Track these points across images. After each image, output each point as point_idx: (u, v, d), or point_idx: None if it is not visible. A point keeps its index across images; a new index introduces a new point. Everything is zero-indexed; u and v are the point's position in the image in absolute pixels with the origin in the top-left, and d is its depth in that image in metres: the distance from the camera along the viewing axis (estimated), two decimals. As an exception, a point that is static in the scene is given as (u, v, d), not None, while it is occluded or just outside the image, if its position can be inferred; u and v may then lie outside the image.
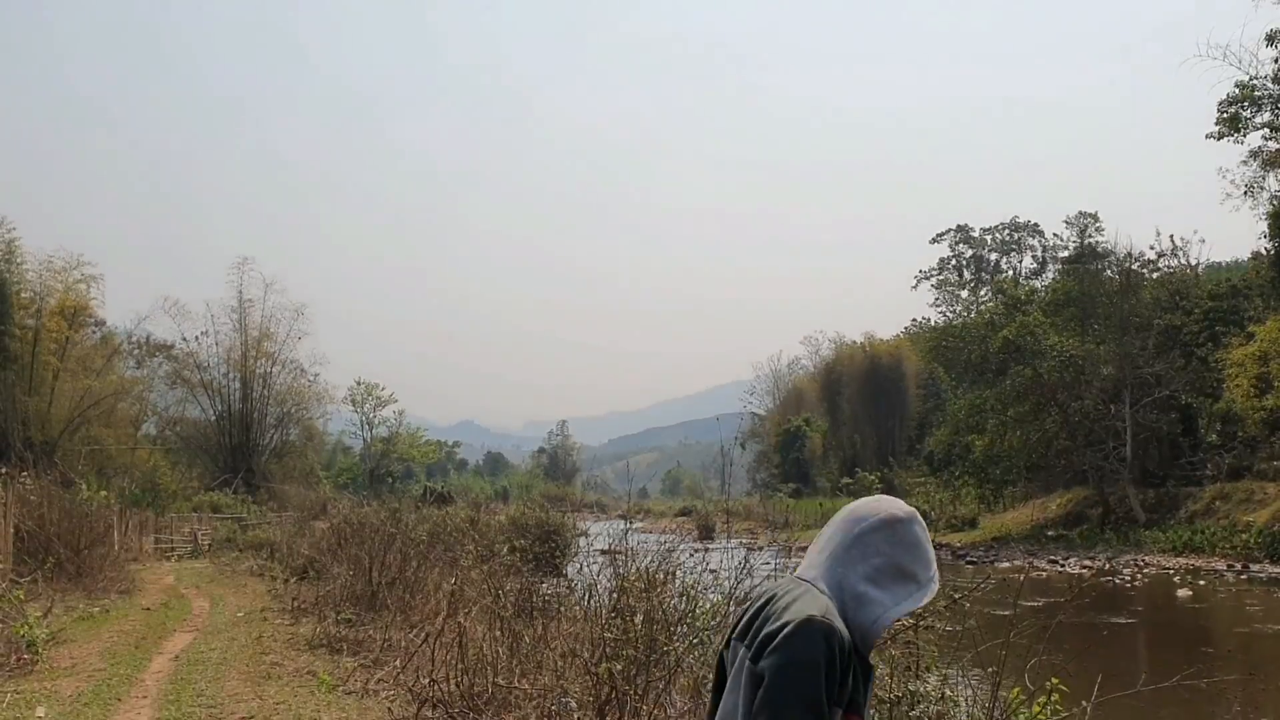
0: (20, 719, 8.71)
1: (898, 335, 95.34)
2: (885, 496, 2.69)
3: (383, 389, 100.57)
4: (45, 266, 50.16)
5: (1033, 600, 16.33)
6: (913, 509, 2.65)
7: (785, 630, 2.40)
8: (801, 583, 2.57)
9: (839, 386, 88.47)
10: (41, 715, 8.85)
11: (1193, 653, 16.54)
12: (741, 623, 2.60)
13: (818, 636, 2.37)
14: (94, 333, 55.56)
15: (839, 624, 2.42)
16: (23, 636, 11.76)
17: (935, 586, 2.57)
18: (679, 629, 7.51)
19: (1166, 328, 46.98)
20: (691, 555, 10.16)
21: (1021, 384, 47.93)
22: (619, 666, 6.07)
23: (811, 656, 2.36)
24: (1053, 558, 38.93)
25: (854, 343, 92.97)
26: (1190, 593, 26.80)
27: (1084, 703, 6.31)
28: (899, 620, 2.57)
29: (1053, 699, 6.03)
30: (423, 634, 10.62)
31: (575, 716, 6.99)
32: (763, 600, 2.60)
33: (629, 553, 9.64)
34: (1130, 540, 41.98)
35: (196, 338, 63.71)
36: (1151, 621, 22.47)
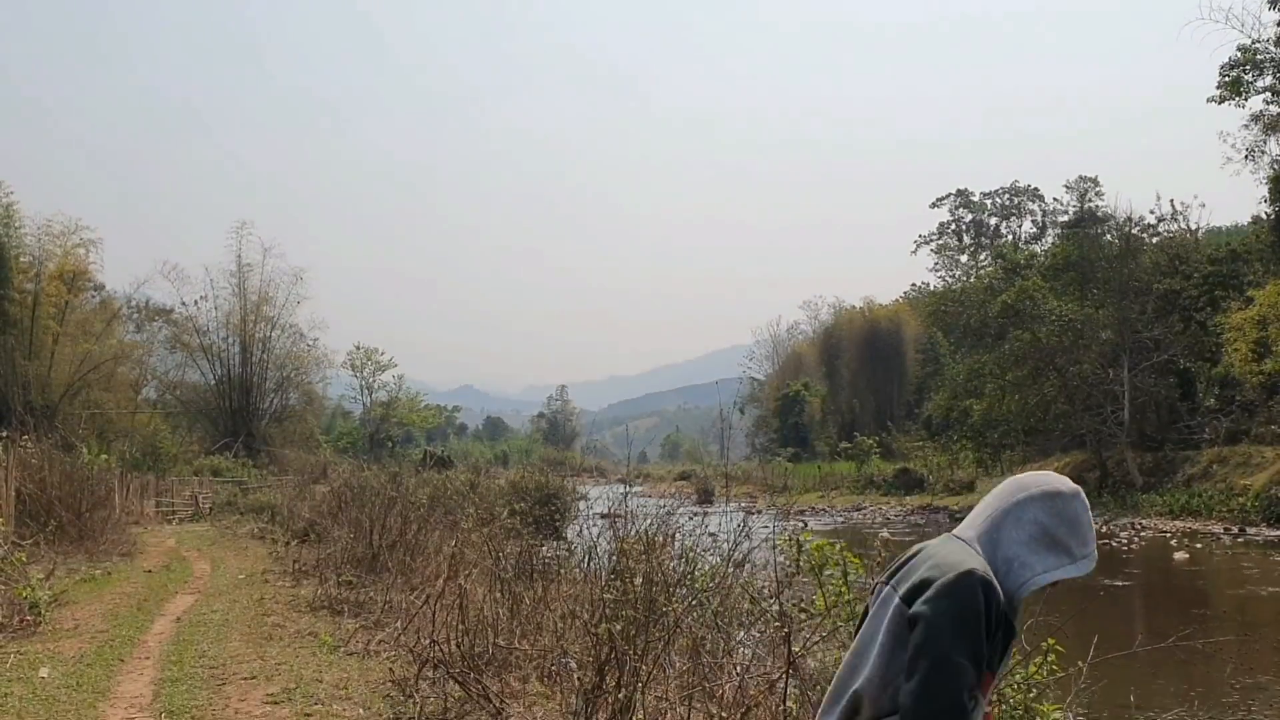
0: (24, 679, 8.76)
1: (897, 300, 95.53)
2: (1052, 472, 2.72)
3: (382, 354, 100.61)
4: (44, 231, 50.04)
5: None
6: (1078, 487, 2.68)
7: (946, 579, 2.45)
8: (957, 540, 2.63)
9: (838, 351, 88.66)
10: (45, 676, 8.91)
11: (1189, 614, 16.64)
12: (891, 569, 2.69)
13: (978, 588, 2.43)
14: (93, 297, 55.48)
15: (992, 577, 2.48)
16: (25, 598, 11.80)
17: (1091, 564, 2.59)
18: (678, 591, 7.56)
19: (1166, 292, 46.93)
20: (690, 519, 10.22)
21: (1020, 348, 47.98)
22: (618, 627, 6.12)
23: (973, 606, 2.41)
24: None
25: (853, 307, 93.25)
26: (1187, 555, 26.94)
27: (1080, 663, 6.35)
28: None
29: (1049, 659, 6.07)
30: (423, 596, 10.69)
31: (575, 676, 7.05)
32: (915, 551, 2.68)
33: (628, 516, 9.70)
34: (1127, 504, 42.20)
35: (195, 302, 63.72)
36: (1148, 584, 22.60)
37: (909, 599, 2.48)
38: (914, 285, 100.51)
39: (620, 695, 5.76)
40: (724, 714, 5.06)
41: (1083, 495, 2.65)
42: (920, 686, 2.37)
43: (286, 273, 66.60)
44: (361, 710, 7.55)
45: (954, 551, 2.55)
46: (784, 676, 5.26)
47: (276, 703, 7.83)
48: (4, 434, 20.00)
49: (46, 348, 47.75)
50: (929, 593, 2.44)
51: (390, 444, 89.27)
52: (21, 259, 47.73)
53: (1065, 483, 2.65)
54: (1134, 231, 51.66)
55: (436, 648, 8.03)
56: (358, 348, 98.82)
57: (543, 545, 14.54)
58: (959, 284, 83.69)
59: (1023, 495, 2.62)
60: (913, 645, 2.42)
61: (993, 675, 2.47)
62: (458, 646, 8.11)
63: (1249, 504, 35.39)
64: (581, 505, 21.39)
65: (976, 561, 2.50)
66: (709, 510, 13.76)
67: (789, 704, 5.46)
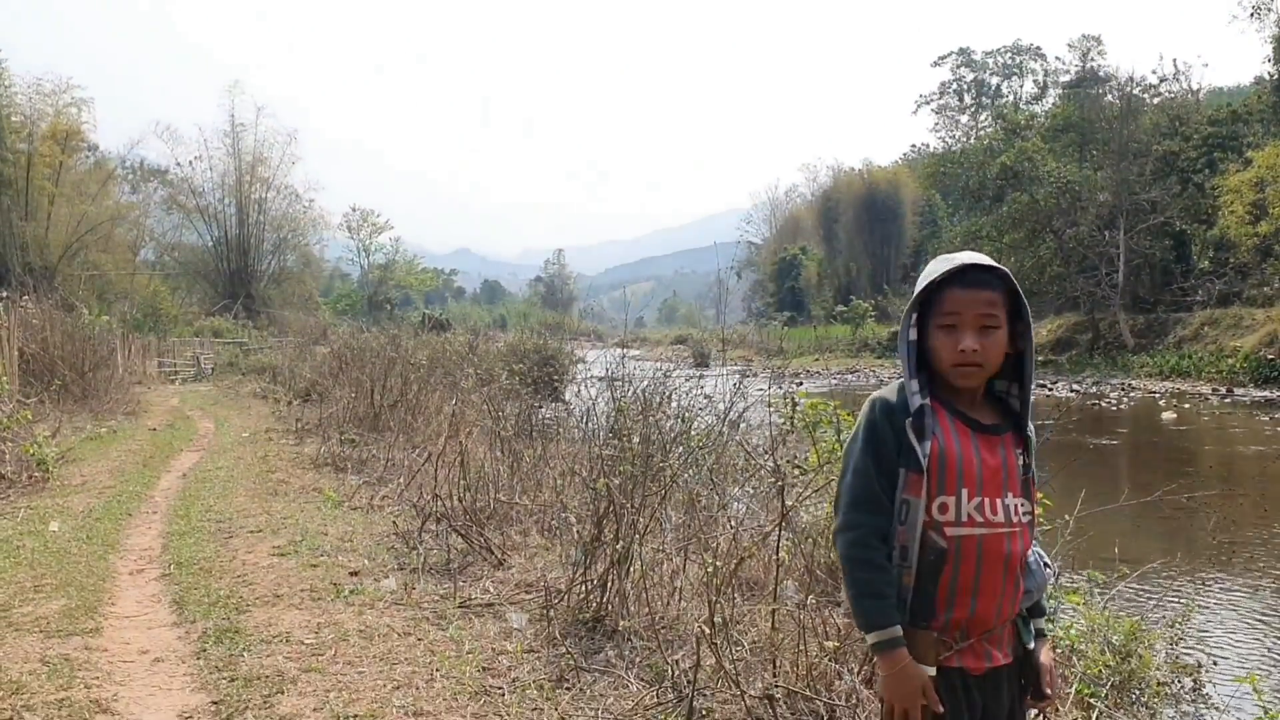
0: (35, 533, 8.96)
1: (896, 162, 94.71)
2: None
3: (378, 216, 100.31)
4: (34, 90, 49.34)
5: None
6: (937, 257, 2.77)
7: None
8: None
9: (836, 214, 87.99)
10: (55, 529, 9.10)
11: (1174, 472, 16.87)
12: None
13: (865, 409, 2.65)
14: (87, 158, 54.97)
15: (892, 394, 2.64)
16: (33, 455, 11.99)
17: (932, 277, 2.62)
18: (674, 449, 7.70)
19: (1165, 154, 46.59)
20: (687, 381, 10.33)
21: (1018, 210, 47.83)
22: (616, 482, 6.26)
23: (861, 426, 2.65)
24: (1041, 382, 39.15)
25: (852, 170, 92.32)
26: (1175, 415, 27.16)
27: (1066, 517, 6.50)
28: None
29: (1036, 514, 6.21)
30: (425, 454, 10.85)
31: (574, 529, 7.24)
32: None
33: (626, 378, 9.82)
34: (1118, 365, 42.57)
35: (190, 163, 63.32)
36: (1135, 442, 22.85)
37: None
38: (913, 147, 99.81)
39: (618, 547, 5.93)
40: (718, 563, 5.23)
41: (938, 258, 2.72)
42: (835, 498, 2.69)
43: (280, 133, 66.14)
44: (366, 561, 7.76)
45: None
46: (777, 529, 5.42)
47: (283, 555, 8.01)
48: (4, 295, 20.05)
49: (43, 209, 47.44)
50: None
51: (389, 306, 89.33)
52: (13, 118, 47.08)
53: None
54: (1135, 92, 51.09)
55: (439, 502, 8.22)
56: (354, 209, 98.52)
57: (541, 406, 14.68)
58: (959, 145, 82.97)
59: None
60: None
61: (921, 474, 2.55)
62: (460, 501, 8.30)
63: (1238, 365, 35.63)
64: (579, 368, 21.43)
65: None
66: (705, 373, 13.86)
67: (781, 554, 5.64)
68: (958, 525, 2.55)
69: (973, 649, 2.59)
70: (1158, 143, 47.26)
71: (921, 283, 2.61)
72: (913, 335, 2.63)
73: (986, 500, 2.57)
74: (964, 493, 2.55)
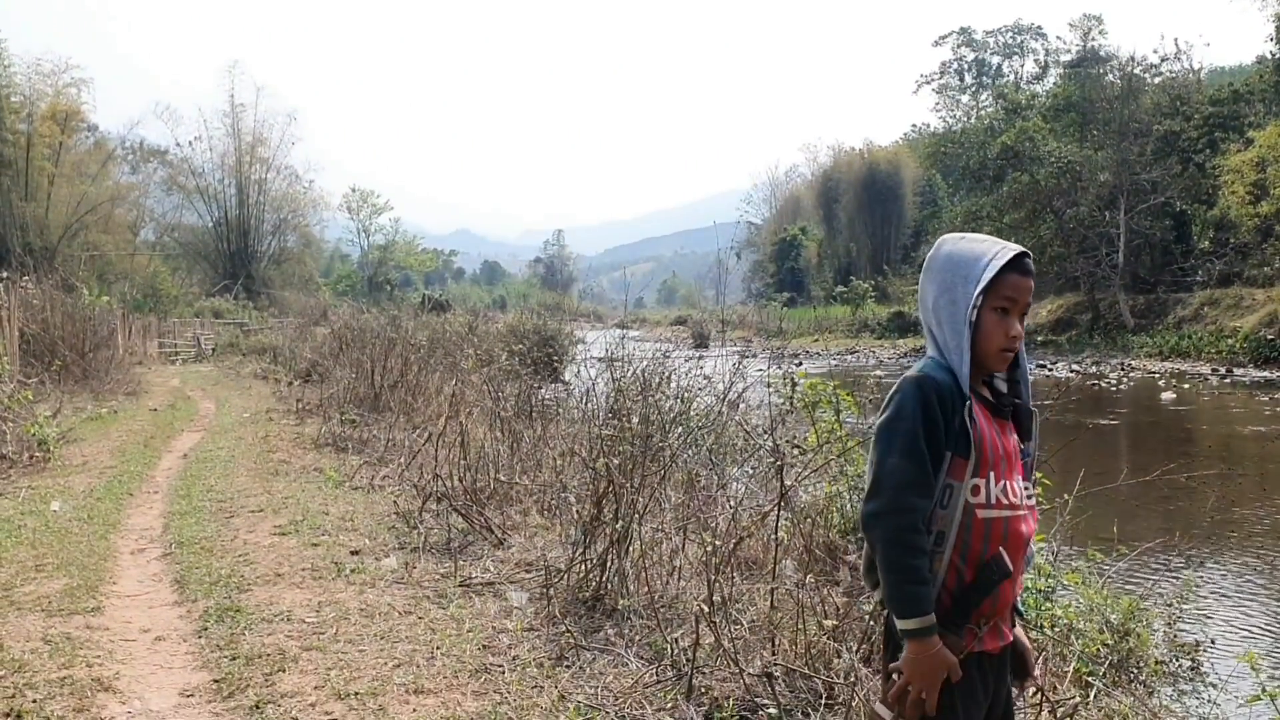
0: (36, 512, 8.97)
1: (897, 142, 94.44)
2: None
3: (378, 196, 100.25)
4: (34, 70, 49.28)
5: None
6: (955, 234, 2.73)
7: (889, 393, 2.60)
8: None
9: (836, 194, 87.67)
10: (56, 509, 9.11)
11: (1173, 452, 16.87)
12: None
13: (906, 391, 2.55)
14: (87, 138, 54.94)
15: (935, 375, 2.56)
16: (34, 435, 12.00)
17: (995, 261, 2.58)
18: (673, 429, 7.71)
19: (1166, 134, 46.44)
20: (686, 362, 10.34)
21: (1018, 191, 47.73)
22: (616, 462, 6.27)
23: (903, 409, 2.53)
24: (1041, 362, 39.09)
25: (853, 150, 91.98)
26: (1174, 395, 27.13)
27: (1065, 496, 6.51)
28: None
29: (1036, 492, 6.22)
30: (426, 434, 10.87)
31: (574, 509, 7.26)
32: None
33: (625, 359, 9.83)
34: (1118, 345, 42.54)
35: (190, 143, 63.25)
36: (1135, 422, 22.82)
37: None
38: (914, 126, 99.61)
39: (618, 526, 5.95)
40: (717, 543, 5.25)
41: (952, 239, 2.70)
42: (866, 493, 2.55)
43: (280, 113, 66.21)
44: (367, 540, 7.77)
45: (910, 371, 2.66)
46: (775, 508, 5.44)
47: (284, 534, 8.03)
48: (4, 275, 20.04)
49: (43, 189, 47.42)
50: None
51: (389, 287, 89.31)
52: (12, 99, 47.02)
53: (942, 239, 2.72)
54: (1136, 72, 50.93)
55: (440, 482, 8.24)
56: (354, 190, 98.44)
57: (541, 387, 14.70)
58: (959, 125, 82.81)
59: (923, 286, 2.70)
60: (869, 456, 2.59)
61: (966, 458, 2.52)
62: (460, 481, 8.32)
63: (1237, 345, 35.64)
64: (579, 349, 21.43)
65: (914, 370, 2.61)
66: (705, 354, 13.86)
67: (780, 534, 5.66)
68: (988, 508, 2.55)
69: (991, 630, 2.61)
70: (1158, 122, 47.10)
71: (989, 266, 2.57)
72: (974, 316, 2.59)
73: (1007, 483, 2.59)
74: (991, 475, 2.56)
